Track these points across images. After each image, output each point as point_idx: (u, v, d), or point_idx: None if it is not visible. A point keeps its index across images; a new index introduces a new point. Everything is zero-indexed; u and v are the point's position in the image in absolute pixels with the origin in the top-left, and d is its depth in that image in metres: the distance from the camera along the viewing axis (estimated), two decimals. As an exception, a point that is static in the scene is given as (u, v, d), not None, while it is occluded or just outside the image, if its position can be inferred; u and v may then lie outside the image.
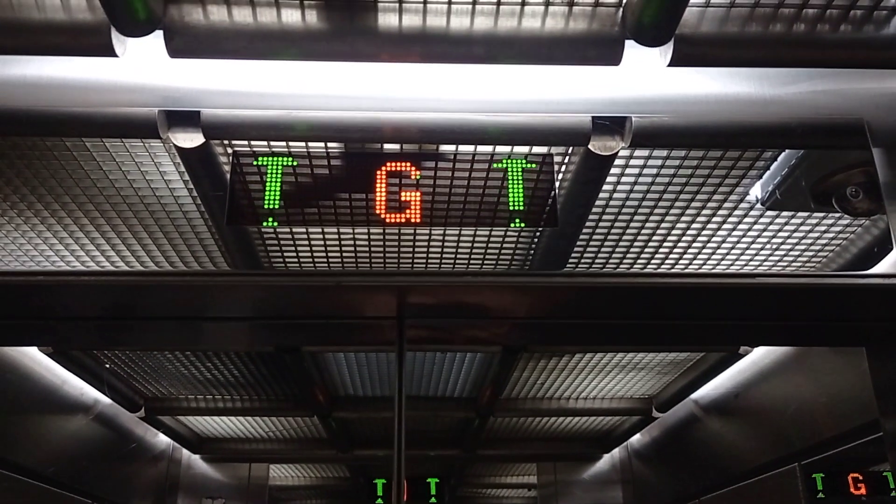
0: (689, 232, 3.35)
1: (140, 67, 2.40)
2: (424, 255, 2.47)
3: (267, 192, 2.38)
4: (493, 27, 2.25)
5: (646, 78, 2.49)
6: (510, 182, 2.40)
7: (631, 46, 2.29)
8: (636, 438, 7.12)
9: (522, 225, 2.43)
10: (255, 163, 2.42)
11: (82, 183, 3.02)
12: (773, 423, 4.92)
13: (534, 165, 2.47)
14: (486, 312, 2.69)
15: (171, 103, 2.46)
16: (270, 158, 2.43)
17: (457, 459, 7.89)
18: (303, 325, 2.82)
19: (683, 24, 2.21)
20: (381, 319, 2.64)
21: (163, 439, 6.94)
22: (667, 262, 3.48)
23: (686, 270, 3.13)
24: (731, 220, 3.30)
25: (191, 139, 2.53)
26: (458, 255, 2.57)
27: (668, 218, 3.27)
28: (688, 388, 5.65)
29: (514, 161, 2.44)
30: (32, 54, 2.27)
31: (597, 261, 3.57)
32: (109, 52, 2.17)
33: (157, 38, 2.21)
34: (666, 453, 6.63)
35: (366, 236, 2.44)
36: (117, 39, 2.19)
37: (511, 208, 2.40)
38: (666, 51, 2.28)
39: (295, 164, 2.42)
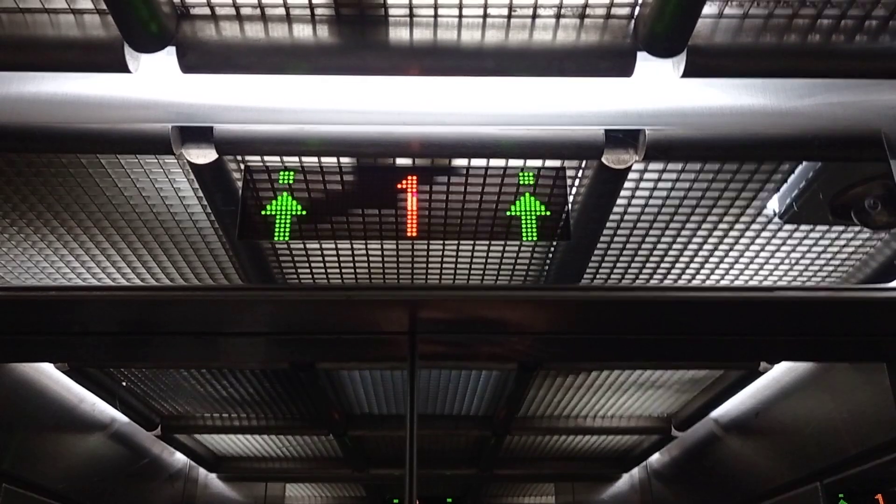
0: (705, 246, 3.32)
1: (153, 83, 2.41)
2: (438, 270, 2.46)
3: (279, 207, 2.38)
4: (504, 40, 2.25)
5: (659, 90, 2.47)
6: (523, 196, 2.39)
7: (643, 58, 2.28)
8: (655, 458, 7.02)
9: (535, 239, 2.41)
10: (267, 177, 2.42)
11: (97, 199, 3.03)
12: (794, 442, 4.84)
13: (547, 179, 2.45)
14: (500, 327, 2.66)
15: (184, 119, 2.47)
16: (282, 173, 2.43)
17: (473, 479, 7.81)
18: (315, 341, 2.81)
19: (696, 35, 2.19)
20: (393, 335, 2.63)
21: (180, 458, 6.92)
22: (683, 276, 3.45)
23: (704, 284, 3.09)
24: (748, 234, 3.27)
25: (204, 155, 2.53)
26: (472, 270, 2.55)
27: (684, 232, 3.24)
28: (707, 407, 5.57)
29: (526, 175, 2.43)
30: (46, 71, 2.29)
31: (612, 275, 3.54)
32: (122, 68, 2.19)
33: (170, 54, 2.23)
34: (686, 473, 6.53)
35: (379, 251, 2.43)
36: (130, 56, 2.20)
37: (524, 222, 2.38)
38: (679, 62, 2.27)
39: (307, 178, 2.42)
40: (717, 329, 2.92)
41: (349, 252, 2.52)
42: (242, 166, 2.52)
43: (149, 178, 2.96)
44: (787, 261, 3.39)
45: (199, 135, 2.50)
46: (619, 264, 3.32)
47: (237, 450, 7.27)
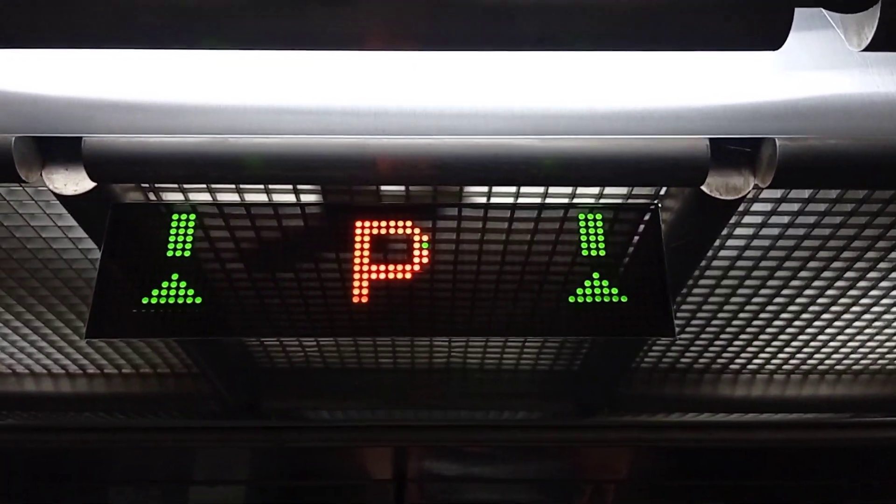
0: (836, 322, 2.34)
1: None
2: (443, 374, 1.50)
3: (166, 273, 1.41)
4: (554, -13, 1.30)
5: (810, 73, 1.51)
6: (585, 248, 1.41)
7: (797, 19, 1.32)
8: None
9: (612, 333, 1.40)
10: (149, 222, 1.47)
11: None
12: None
13: (625, 221, 1.48)
14: (517, 473, 1.72)
15: (35, 126, 1.54)
16: (179, 217, 1.48)
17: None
18: (280, 488, 1.89)
19: (897, -21, 1.24)
20: (375, 482, 1.68)
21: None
22: (799, 368, 2.46)
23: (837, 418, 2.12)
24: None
25: (74, 182, 1.61)
26: (484, 372, 1.57)
27: (800, 299, 2.26)
28: None
29: (591, 215, 1.46)
30: None
31: (682, 364, 2.55)
32: None
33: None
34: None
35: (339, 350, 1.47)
36: None
37: (583, 301, 1.39)
38: (863, 23, 1.31)
39: (216, 223, 1.46)
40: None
41: (298, 348, 1.56)
42: (123, 199, 1.58)
43: (18, 213, 2.05)
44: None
45: (61, 150, 1.58)
46: (692, 349, 2.33)
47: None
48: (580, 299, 1.41)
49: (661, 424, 1.75)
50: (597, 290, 1.42)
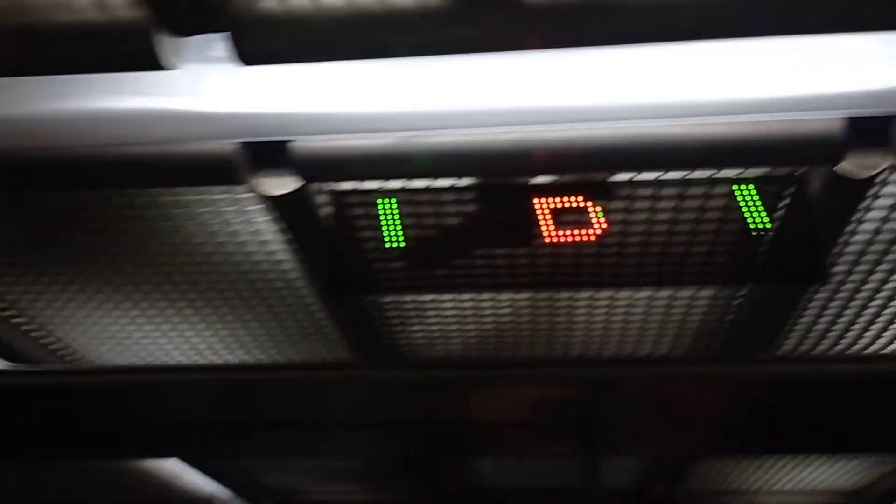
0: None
1: (198, 85, 1.75)
2: (614, 331, 1.68)
3: (382, 248, 1.66)
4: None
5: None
6: (748, 213, 1.58)
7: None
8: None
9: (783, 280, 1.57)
10: (364, 210, 1.72)
11: (163, 249, 2.45)
12: None
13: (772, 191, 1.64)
14: (704, 411, 1.86)
15: (249, 132, 1.79)
16: (385, 201, 1.72)
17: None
18: (444, 433, 2.08)
19: None
20: (554, 424, 1.86)
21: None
22: None
23: None
24: None
25: (282, 183, 1.85)
26: (646, 327, 1.75)
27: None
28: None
29: (745, 186, 1.62)
30: (53, 73, 1.67)
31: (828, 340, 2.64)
32: (152, 63, 1.56)
33: (214, 40, 1.59)
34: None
35: (526, 303, 1.68)
36: (167, 45, 1.57)
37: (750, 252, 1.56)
38: None
39: (419, 207, 1.70)
40: None
41: (472, 308, 1.78)
42: (328, 196, 1.84)
43: (218, 219, 2.35)
44: None
45: (271, 154, 1.83)
46: (833, 326, 2.42)
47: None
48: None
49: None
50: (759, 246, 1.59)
